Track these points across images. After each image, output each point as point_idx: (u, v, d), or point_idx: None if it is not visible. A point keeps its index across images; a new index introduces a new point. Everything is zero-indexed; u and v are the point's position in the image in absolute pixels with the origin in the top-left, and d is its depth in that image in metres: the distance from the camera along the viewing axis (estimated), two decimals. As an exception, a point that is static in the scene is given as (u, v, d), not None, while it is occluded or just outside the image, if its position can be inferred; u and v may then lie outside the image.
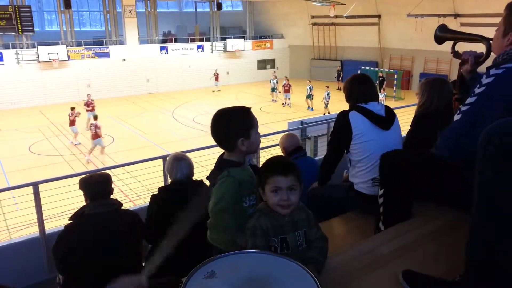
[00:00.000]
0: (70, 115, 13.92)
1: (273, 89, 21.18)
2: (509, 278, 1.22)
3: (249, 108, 1.78)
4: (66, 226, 2.44)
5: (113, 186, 2.62)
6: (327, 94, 18.10)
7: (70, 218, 2.46)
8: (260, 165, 1.76)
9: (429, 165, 1.98)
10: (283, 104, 20.24)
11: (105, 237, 2.37)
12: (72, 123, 13.95)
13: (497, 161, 1.19)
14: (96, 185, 2.51)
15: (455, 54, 2.04)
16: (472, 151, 1.30)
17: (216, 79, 23.87)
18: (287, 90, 19.92)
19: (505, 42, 1.66)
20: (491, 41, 1.80)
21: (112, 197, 2.57)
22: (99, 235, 2.36)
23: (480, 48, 1.93)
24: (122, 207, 2.56)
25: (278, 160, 1.69)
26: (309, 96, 19.11)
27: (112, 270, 1.56)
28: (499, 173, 1.19)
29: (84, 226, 2.40)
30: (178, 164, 2.71)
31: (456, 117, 1.71)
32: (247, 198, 1.77)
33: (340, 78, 24.96)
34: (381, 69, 22.90)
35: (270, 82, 21.51)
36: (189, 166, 2.75)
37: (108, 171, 2.93)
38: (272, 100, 21.15)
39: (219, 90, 23.95)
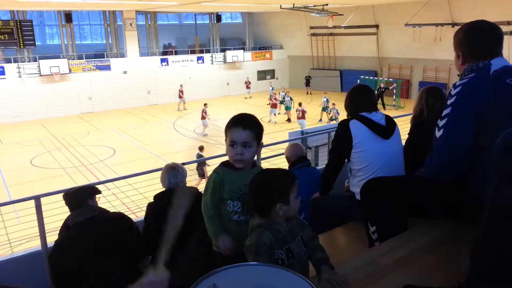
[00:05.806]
0: (203, 111, 17.05)
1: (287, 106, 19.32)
2: None
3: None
4: (56, 242, 2.47)
5: (116, 198, 2.63)
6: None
7: (58, 234, 2.48)
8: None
9: (410, 189, 2.03)
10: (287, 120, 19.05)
11: (92, 244, 2.35)
12: (203, 117, 17.01)
13: None
14: (69, 195, 2.62)
15: None
16: (462, 167, 1.40)
17: (248, 87, 25.42)
18: (274, 105, 18.83)
19: (460, 62, 1.88)
20: None
21: (114, 211, 2.58)
22: (87, 243, 2.35)
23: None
24: (108, 213, 2.58)
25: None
26: (325, 109, 18.09)
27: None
28: None
29: (70, 237, 2.42)
30: (169, 173, 2.77)
31: (438, 133, 1.78)
32: (231, 202, 1.76)
33: (309, 84, 25.91)
34: (380, 78, 22.99)
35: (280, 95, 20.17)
36: (180, 174, 2.80)
37: (109, 184, 2.95)
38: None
39: (250, 97, 25.20)
